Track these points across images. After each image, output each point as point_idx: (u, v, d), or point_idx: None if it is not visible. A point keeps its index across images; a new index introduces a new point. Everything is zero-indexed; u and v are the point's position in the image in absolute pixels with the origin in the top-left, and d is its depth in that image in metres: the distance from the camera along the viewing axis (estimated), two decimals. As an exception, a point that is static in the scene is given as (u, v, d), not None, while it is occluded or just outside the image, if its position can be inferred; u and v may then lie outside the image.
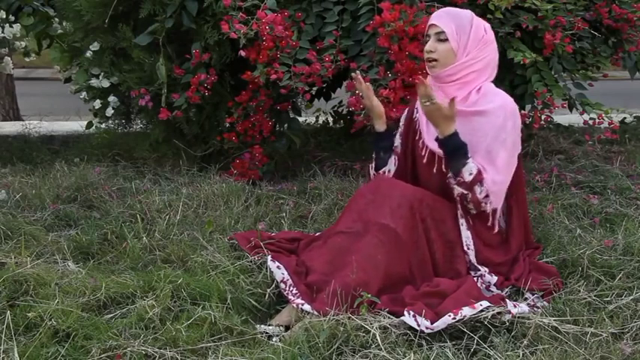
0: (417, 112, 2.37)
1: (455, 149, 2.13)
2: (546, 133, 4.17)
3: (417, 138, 2.35)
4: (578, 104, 3.12)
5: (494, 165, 2.13)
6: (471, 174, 2.11)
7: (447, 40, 2.17)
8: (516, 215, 2.27)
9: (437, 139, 2.17)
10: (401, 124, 2.43)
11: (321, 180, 3.12)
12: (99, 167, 3.27)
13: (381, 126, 2.40)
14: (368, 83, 2.35)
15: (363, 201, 2.18)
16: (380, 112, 2.38)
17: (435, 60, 2.20)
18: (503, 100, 2.18)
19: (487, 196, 2.13)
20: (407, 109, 2.47)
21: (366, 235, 2.07)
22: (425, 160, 2.30)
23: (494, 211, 2.19)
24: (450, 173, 2.16)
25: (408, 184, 2.24)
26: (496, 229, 2.22)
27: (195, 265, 2.22)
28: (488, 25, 2.25)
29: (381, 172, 2.42)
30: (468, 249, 2.16)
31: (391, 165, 2.41)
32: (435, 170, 2.26)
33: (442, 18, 2.20)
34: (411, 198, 2.11)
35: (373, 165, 2.46)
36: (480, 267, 2.16)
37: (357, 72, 2.45)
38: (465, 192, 2.13)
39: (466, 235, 2.17)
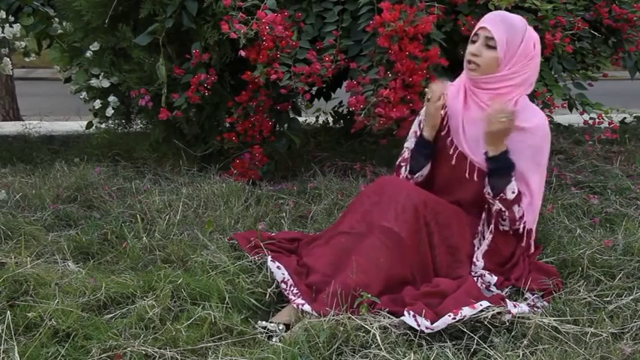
0: (442, 110, 2.28)
1: (504, 167, 2.11)
2: (546, 133, 4.17)
3: (442, 133, 2.29)
4: (578, 104, 3.12)
5: (528, 187, 2.15)
6: (513, 192, 2.12)
7: (494, 48, 2.12)
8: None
9: (486, 156, 2.13)
10: (421, 118, 2.35)
11: (321, 180, 3.12)
12: (99, 167, 3.27)
13: (430, 133, 2.30)
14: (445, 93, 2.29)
15: (367, 202, 2.17)
16: (435, 122, 2.28)
17: (477, 64, 2.15)
18: (541, 120, 2.16)
19: (522, 216, 2.15)
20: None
21: (369, 237, 2.07)
22: (453, 162, 2.25)
23: (530, 231, 2.19)
24: (489, 188, 2.15)
25: (413, 185, 2.22)
26: (532, 250, 2.23)
27: (195, 265, 2.22)
28: (537, 39, 2.19)
29: (415, 176, 2.34)
30: (477, 260, 2.16)
31: (425, 171, 2.34)
32: (467, 175, 2.22)
33: (496, 24, 2.13)
34: (417, 201, 2.10)
35: (408, 167, 2.35)
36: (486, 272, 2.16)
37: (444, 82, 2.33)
38: (504, 209, 2.14)
39: (478, 252, 2.17)
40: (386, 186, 2.19)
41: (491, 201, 2.16)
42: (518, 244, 2.24)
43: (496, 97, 2.14)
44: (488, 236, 2.19)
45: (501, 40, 2.11)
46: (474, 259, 2.16)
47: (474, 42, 2.17)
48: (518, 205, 2.13)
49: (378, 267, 2.02)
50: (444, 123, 2.29)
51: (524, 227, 2.17)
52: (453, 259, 2.15)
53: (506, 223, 2.17)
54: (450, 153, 2.26)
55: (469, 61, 2.17)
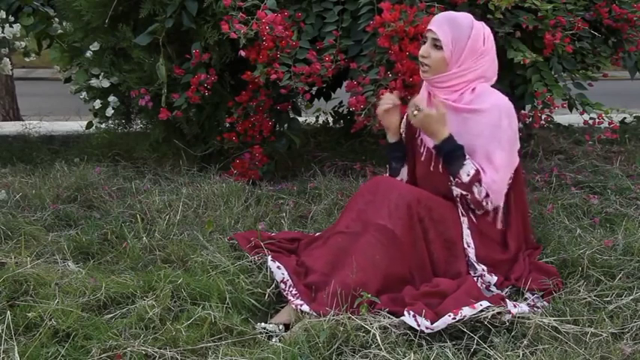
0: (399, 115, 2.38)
1: (451, 152, 2.15)
2: (546, 133, 4.17)
3: (416, 136, 2.36)
4: (578, 104, 3.12)
5: (492, 164, 2.15)
6: (468, 175, 2.13)
7: (441, 48, 2.17)
8: (514, 214, 2.28)
9: (434, 147, 2.20)
10: (402, 130, 2.43)
11: (321, 180, 3.12)
12: (99, 167, 3.27)
13: (392, 137, 2.40)
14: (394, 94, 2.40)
15: (362, 201, 2.19)
16: (389, 124, 2.37)
17: (428, 66, 2.21)
18: (497, 98, 2.19)
19: (487, 195, 2.15)
20: (405, 114, 2.46)
21: (365, 235, 2.08)
22: (423, 158, 2.32)
23: (496, 208, 2.20)
24: (450, 177, 2.18)
25: (406, 184, 2.25)
26: (499, 226, 2.23)
27: (195, 265, 2.22)
28: (489, 34, 2.22)
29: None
30: (468, 246, 2.17)
31: (404, 175, 2.41)
32: (432, 168, 2.28)
33: (441, 25, 2.19)
34: (409, 198, 2.11)
35: (387, 174, 2.47)
36: (479, 265, 2.16)
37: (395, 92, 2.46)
38: (464, 193, 2.15)
39: (467, 233, 2.18)
40: (380, 185, 2.21)
41: (452, 188, 2.18)
42: (508, 230, 2.25)
43: (454, 93, 2.20)
44: (463, 219, 2.18)
45: (446, 39, 2.16)
46: (465, 245, 2.16)
47: (423, 43, 2.23)
48: (479, 185, 2.13)
49: (375, 265, 2.03)
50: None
51: (491, 205, 2.17)
52: (450, 253, 2.15)
53: (473, 206, 2.17)
54: (421, 151, 2.33)
55: (421, 63, 2.23)
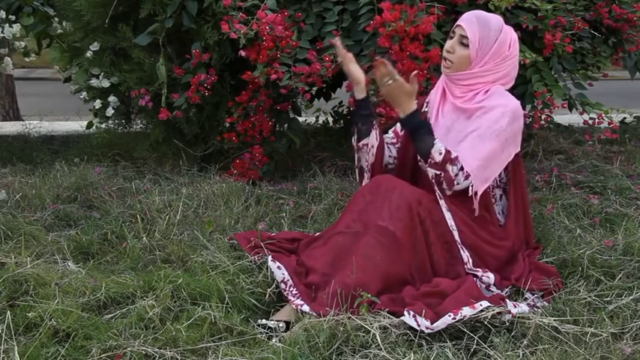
0: (425, 107, 2.36)
1: (417, 127, 2.16)
2: (546, 133, 4.17)
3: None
4: (578, 104, 3.12)
5: (476, 149, 2.13)
6: (440, 153, 2.12)
7: (467, 46, 2.18)
8: (514, 214, 2.27)
9: (399, 120, 2.22)
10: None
11: (321, 180, 3.12)
12: (99, 167, 3.27)
13: (360, 93, 2.32)
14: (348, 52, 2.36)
15: (362, 201, 2.18)
16: (358, 78, 2.32)
17: (450, 61, 2.22)
18: (507, 100, 2.19)
19: (460, 169, 2.11)
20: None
21: (365, 236, 2.07)
22: None
23: (476, 194, 2.15)
24: (420, 158, 2.16)
25: (407, 184, 2.22)
26: (476, 213, 2.18)
27: (195, 265, 2.22)
28: (515, 40, 2.23)
29: (361, 144, 2.32)
30: (452, 229, 2.14)
31: (373, 140, 2.32)
32: None
33: (471, 23, 2.19)
34: (410, 199, 2.11)
35: (355, 137, 2.36)
36: (477, 270, 2.14)
37: (337, 39, 2.42)
38: (439, 172, 2.13)
39: (448, 216, 2.15)
40: (381, 185, 2.20)
41: (425, 169, 2.15)
42: (505, 229, 2.25)
43: (469, 92, 2.22)
44: (441, 202, 2.14)
45: (474, 38, 2.17)
46: (450, 228, 2.13)
47: (451, 38, 2.24)
48: (452, 164, 2.11)
49: (376, 265, 2.02)
50: (426, 116, 2.32)
51: (472, 190, 2.13)
52: (450, 255, 2.15)
53: (445, 186, 2.13)
54: None
55: (444, 58, 2.24)
